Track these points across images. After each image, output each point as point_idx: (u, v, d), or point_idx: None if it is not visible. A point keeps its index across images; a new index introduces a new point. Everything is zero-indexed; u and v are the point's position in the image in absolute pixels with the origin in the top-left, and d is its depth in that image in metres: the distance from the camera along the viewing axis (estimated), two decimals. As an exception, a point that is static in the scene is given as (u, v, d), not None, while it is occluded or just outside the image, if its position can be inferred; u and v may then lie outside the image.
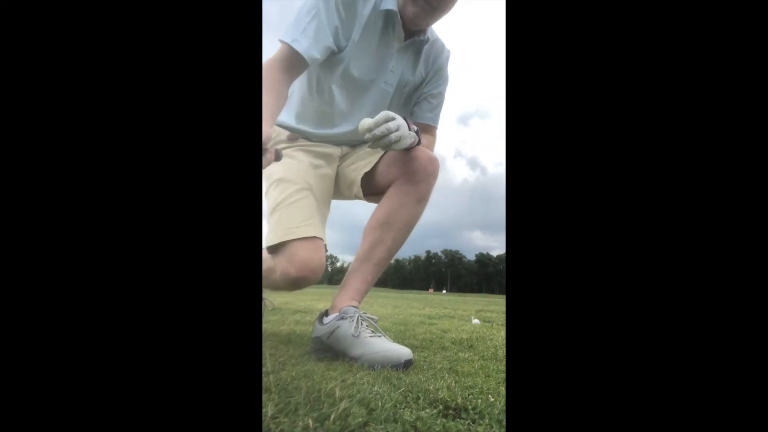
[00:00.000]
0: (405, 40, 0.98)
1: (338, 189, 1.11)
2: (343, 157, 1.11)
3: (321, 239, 0.92)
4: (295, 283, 0.90)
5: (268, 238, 0.92)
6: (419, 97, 1.09)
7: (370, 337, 0.82)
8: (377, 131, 0.80)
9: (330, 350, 0.86)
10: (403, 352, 0.79)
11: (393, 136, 0.82)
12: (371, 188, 1.04)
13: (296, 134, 1.06)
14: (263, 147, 0.70)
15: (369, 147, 0.96)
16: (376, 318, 0.90)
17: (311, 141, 1.06)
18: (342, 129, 1.04)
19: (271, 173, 0.98)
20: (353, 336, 0.82)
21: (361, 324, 0.85)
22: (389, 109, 0.95)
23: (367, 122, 0.84)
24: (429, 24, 0.99)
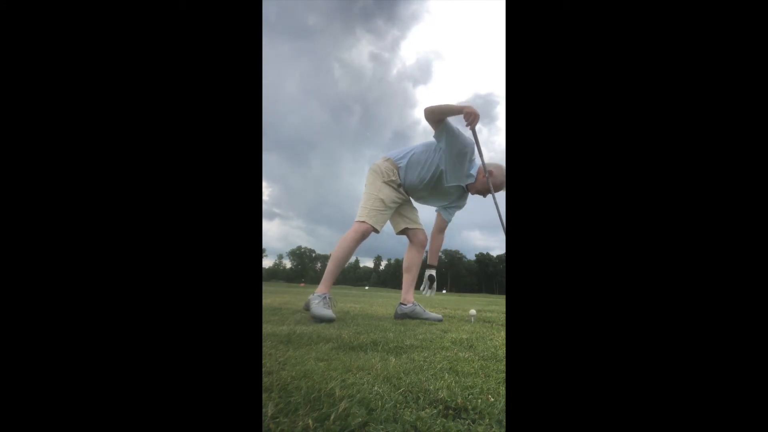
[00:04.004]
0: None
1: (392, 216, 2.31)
2: (402, 204, 2.26)
3: (372, 225, 2.03)
4: (357, 237, 1.98)
5: (359, 214, 2.02)
6: (451, 205, 2.25)
7: (427, 312, 2.18)
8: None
9: (409, 317, 2.12)
10: (438, 315, 2.15)
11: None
12: (397, 230, 2.34)
13: (400, 181, 2.17)
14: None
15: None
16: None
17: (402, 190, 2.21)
18: (412, 196, 2.26)
19: (379, 191, 2.05)
20: (422, 311, 2.15)
21: (420, 306, 2.22)
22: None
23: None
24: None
